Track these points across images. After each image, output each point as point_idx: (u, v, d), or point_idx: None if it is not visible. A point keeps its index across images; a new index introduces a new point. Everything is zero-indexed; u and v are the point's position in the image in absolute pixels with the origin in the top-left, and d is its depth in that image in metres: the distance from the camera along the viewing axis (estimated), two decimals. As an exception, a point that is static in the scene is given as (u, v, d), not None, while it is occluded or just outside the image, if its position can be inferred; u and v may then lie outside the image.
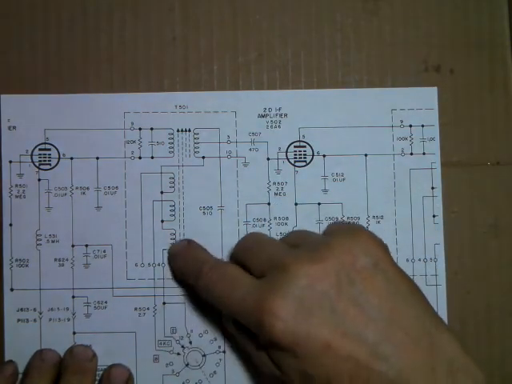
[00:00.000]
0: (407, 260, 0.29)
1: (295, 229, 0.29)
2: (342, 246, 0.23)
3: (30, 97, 0.29)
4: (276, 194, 0.29)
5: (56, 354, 0.28)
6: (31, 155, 0.29)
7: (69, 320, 0.28)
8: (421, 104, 0.29)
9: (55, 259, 0.28)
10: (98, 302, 0.28)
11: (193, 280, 0.26)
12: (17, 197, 0.29)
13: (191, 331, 0.28)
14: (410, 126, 0.29)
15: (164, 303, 0.28)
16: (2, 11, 0.29)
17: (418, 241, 0.29)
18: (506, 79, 0.29)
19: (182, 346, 0.28)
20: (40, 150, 0.29)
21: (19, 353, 0.28)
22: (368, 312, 0.22)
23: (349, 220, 0.29)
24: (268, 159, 0.29)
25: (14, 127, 0.29)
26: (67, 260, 0.28)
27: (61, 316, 0.28)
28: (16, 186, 0.29)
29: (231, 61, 0.29)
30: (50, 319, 0.28)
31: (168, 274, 0.29)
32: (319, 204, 0.29)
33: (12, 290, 0.28)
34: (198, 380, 0.28)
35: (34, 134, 0.29)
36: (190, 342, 0.28)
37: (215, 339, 0.28)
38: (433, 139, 0.29)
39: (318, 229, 0.29)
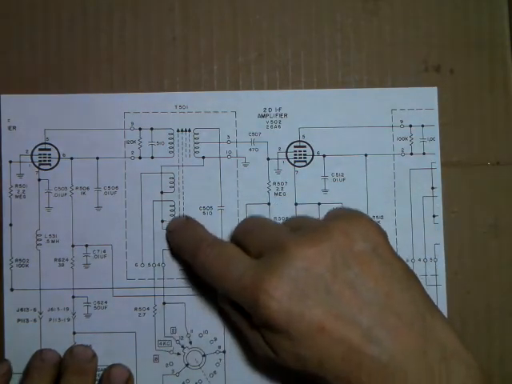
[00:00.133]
0: (407, 260, 0.29)
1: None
2: (340, 229, 0.23)
3: (30, 97, 0.29)
4: (276, 194, 0.29)
5: (56, 354, 0.28)
6: (31, 155, 0.29)
7: (69, 320, 0.28)
8: (421, 104, 0.29)
9: (55, 259, 0.28)
10: (98, 301, 0.28)
11: (190, 257, 0.26)
12: (17, 197, 0.29)
13: (191, 331, 0.28)
14: (410, 125, 0.29)
15: (164, 303, 0.28)
16: (2, 11, 0.29)
17: (418, 241, 0.29)
18: (506, 79, 0.29)
19: (182, 346, 0.28)
20: (40, 150, 0.29)
21: (19, 353, 0.28)
22: (363, 295, 0.22)
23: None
24: (268, 159, 0.29)
25: (14, 127, 0.29)
26: (67, 260, 0.28)
27: (61, 316, 0.28)
28: (16, 185, 0.29)
29: (231, 61, 0.29)
30: (50, 319, 0.28)
31: (168, 273, 0.29)
32: (319, 204, 0.29)
33: (12, 290, 0.28)
34: (198, 380, 0.28)
35: (34, 134, 0.29)
36: (190, 342, 0.28)
37: (215, 339, 0.28)
38: (433, 139, 0.29)
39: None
